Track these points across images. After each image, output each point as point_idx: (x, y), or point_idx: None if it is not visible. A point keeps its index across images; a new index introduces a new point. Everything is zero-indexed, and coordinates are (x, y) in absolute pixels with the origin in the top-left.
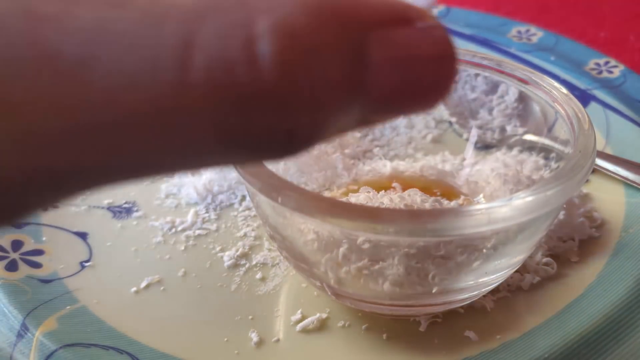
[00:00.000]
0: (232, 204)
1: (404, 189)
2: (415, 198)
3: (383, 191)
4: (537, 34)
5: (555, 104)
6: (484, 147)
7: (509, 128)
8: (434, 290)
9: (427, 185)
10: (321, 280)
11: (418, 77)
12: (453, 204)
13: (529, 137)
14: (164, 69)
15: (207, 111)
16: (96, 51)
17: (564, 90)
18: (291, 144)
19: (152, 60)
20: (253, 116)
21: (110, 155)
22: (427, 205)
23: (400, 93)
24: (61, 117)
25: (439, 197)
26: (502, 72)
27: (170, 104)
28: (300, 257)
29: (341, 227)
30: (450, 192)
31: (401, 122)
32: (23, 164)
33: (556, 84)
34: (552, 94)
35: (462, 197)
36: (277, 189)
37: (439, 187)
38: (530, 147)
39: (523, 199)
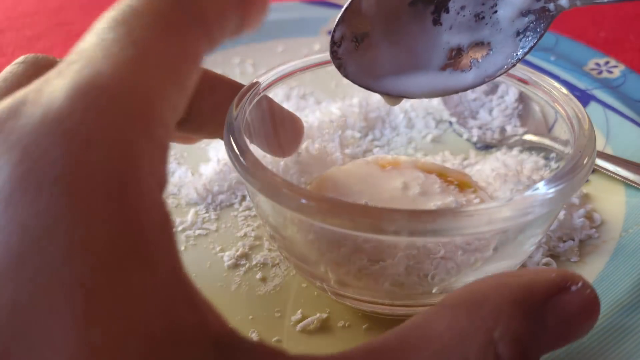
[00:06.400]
0: (232, 204)
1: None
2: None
3: (391, 167)
4: None
5: (555, 104)
6: (484, 147)
7: (509, 128)
8: (434, 291)
9: (443, 172)
10: (321, 280)
11: (577, 325)
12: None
13: (529, 137)
14: None
15: None
16: None
17: (564, 91)
18: None
19: None
20: None
21: None
22: (437, 188)
23: (567, 332)
24: None
25: (452, 185)
26: None
27: None
28: (300, 257)
29: (342, 227)
30: (464, 183)
31: (401, 122)
32: None
33: (556, 84)
34: (552, 94)
35: (473, 189)
36: (277, 189)
37: (453, 175)
38: (530, 148)
39: (523, 200)
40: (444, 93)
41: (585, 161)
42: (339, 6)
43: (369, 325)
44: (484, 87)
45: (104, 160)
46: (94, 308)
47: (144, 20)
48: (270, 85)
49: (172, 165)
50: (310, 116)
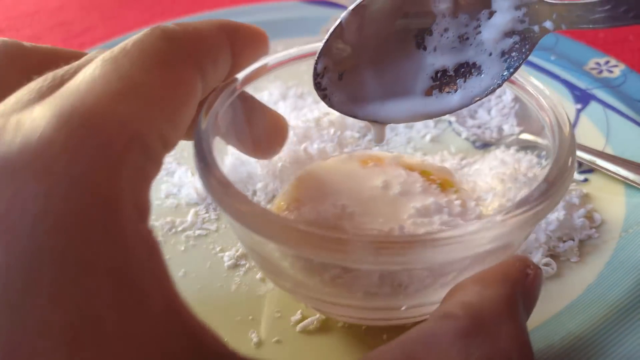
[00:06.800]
0: None
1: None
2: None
3: (373, 164)
4: None
5: (542, 112)
6: (483, 146)
7: (506, 127)
8: (403, 308)
9: (427, 170)
10: (300, 296)
11: (534, 295)
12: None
13: (525, 136)
14: None
15: None
16: None
17: (547, 92)
18: None
19: None
20: None
21: None
22: (418, 187)
23: (530, 300)
24: None
25: (434, 185)
26: None
27: None
28: (274, 271)
29: (309, 256)
30: (447, 182)
31: None
32: None
33: (541, 86)
34: (539, 101)
35: (455, 189)
36: (246, 214)
37: (436, 173)
38: (526, 147)
39: (500, 224)
40: (431, 116)
41: (568, 164)
42: (339, 6)
43: (368, 326)
44: None
45: (84, 196)
46: (87, 352)
47: (133, 58)
48: (246, 83)
49: (172, 165)
50: (309, 115)
